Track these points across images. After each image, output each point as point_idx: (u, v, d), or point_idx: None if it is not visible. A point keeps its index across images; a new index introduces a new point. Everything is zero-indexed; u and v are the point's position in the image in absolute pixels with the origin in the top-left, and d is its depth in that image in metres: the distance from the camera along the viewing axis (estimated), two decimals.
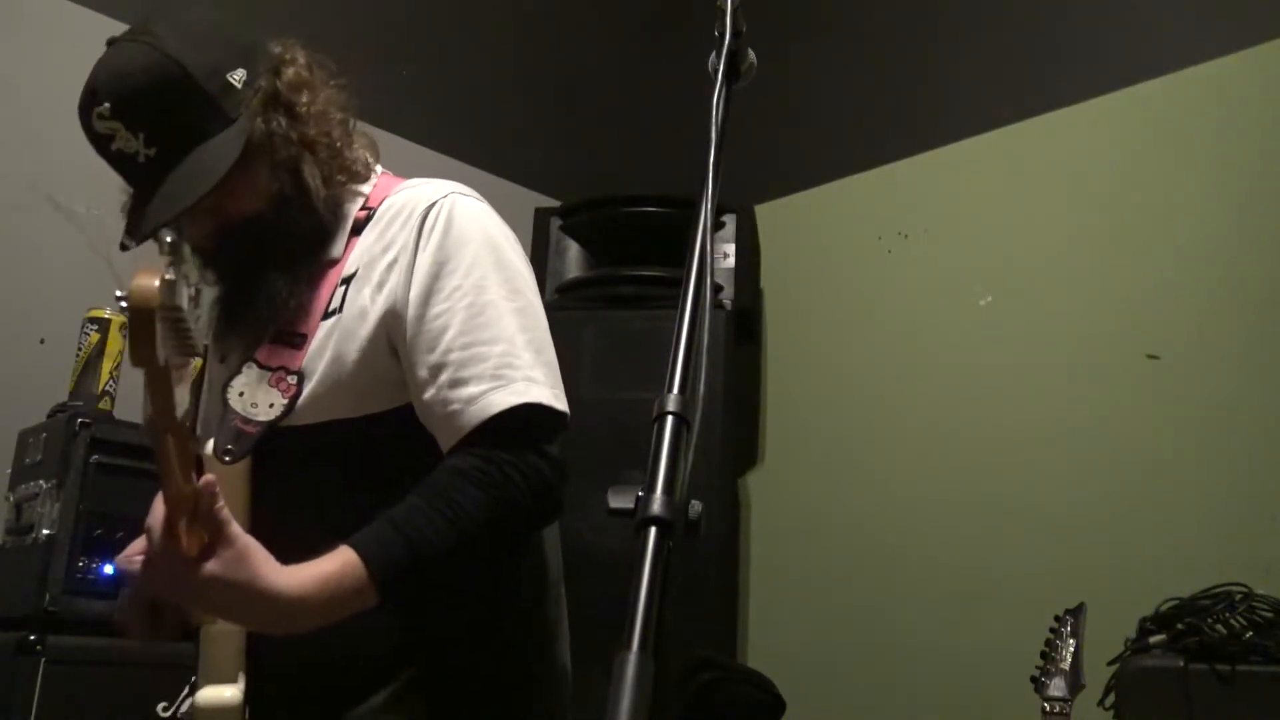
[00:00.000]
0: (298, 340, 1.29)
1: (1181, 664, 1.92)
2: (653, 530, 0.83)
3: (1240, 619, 1.94)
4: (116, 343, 2.22)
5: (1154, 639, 2.00)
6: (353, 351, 1.27)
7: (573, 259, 3.38)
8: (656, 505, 0.84)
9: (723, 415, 3.04)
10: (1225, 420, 2.52)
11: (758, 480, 3.42)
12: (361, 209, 1.36)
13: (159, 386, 0.93)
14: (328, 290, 1.31)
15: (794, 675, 2.75)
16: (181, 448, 1.00)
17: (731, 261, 3.29)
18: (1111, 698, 2.00)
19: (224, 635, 1.25)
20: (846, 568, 3.10)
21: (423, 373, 1.24)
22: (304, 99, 1.35)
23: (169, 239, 0.96)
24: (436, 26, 3.53)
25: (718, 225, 2.96)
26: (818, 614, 3.13)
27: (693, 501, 0.87)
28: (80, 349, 2.21)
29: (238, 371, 1.29)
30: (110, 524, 2.02)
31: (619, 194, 3.28)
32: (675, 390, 0.92)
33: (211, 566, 1.05)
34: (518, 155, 3.63)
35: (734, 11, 1.18)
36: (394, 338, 1.27)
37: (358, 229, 1.35)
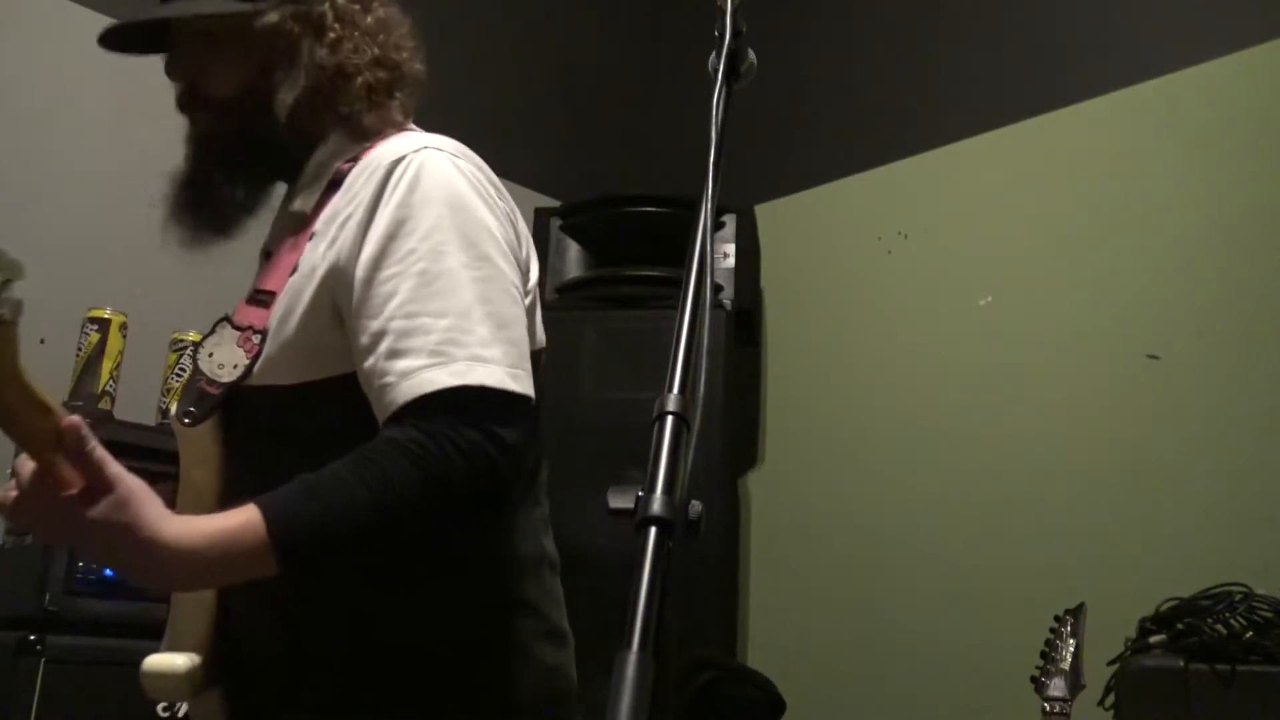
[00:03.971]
0: (267, 299, 1.22)
1: (1181, 664, 1.91)
2: (653, 530, 0.83)
3: (1240, 619, 1.94)
4: (116, 343, 2.23)
5: (1154, 639, 2.00)
6: (296, 312, 1.18)
7: (573, 259, 3.38)
8: (656, 505, 0.84)
9: (723, 415, 3.04)
10: (1225, 420, 2.52)
11: (758, 480, 3.42)
12: (348, 161, 1.27)
13: None
14: (299, 248, 1.23)
15: (794, 675, 2.75)
16: (22, 394, 0.97)
17: (731, 261, 3.29)
18: (1111, 698, 2.00)
19: (194, 603, 1.20)
20: (847, 567, 3.10)
21: (364, 339, 1.14)
22: (335, 34, 1.29)
23: None
24: (436, 27, 3.52)
25: (718, 225, 2.96)
26: (818, 613, 3.13)
27: (693, 501, 0.87)
28: (80, 349, 2.21)
29: (211, 331, 1.23)
30: None
31: (619, 194, 3.28)
32: (675, 390, 0.92)
33: (88, 509, 0.98)
34: (518, 155, 3.63)
35: (734, 11, 1.18)
36: (339, 300, 1.17)
37: (336, 184, 1.26)
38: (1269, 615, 1.94)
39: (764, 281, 3.51)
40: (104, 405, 2.18)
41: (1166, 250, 2.70)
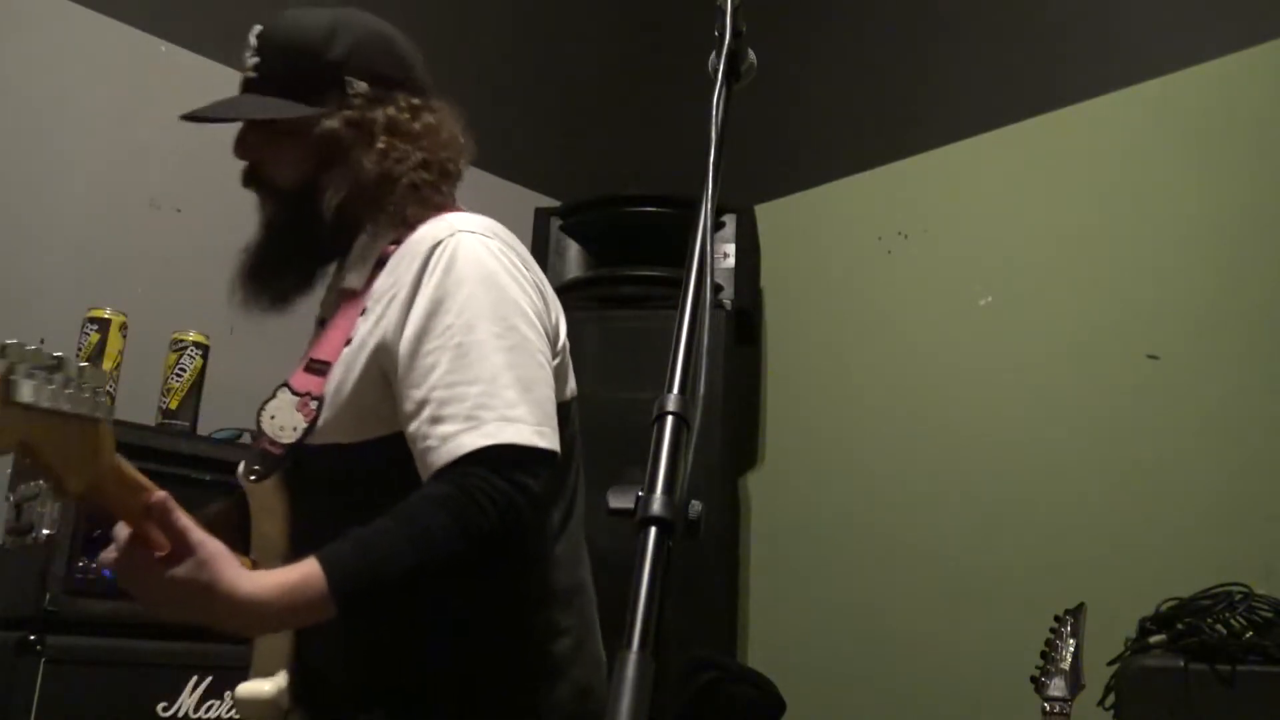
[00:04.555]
0: (323, 368, 1.39)
1: (1181, 664, 1.91)
2: (653, 530, 0.83)
3: (1240, 619, 1.94)
4: (116, 343, 2.23)
5: (1154, 639, 2.00)
6: (350, 381, 1.35)
7: (573, 259, 3.38)
8: (656, 505, 0.84)
9: (723, 415, 3.04)
10: (1225, 420, 2.52)
11: (758, 480, 3.42)
12: (392, 243, 1.44)
13: (60, 461, 0.98)
14: (351, 320, 1.40)
15: (794, 675, 2.75)
16: (117, 479, 1.08)
17: (731, 261, 3.29)
18: (1111, 698, 2.00)
19: (273, 635, 1.33)
20: (847, 567, 3.10)
21: (409, 406, 1.30)
22: (384, 144, 1.45)
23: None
24: (436, 27, 3.53)
25: (718, 225, 2.96)
26: (818, 614, 3.13)
27: (693, 501, 0.87)
28: (80, 349, 2.21)
29: (272, 396, 1.39)
30: (110, 524, 2.01)
31: (619, 194, 3.28)
32: (675, 390, 0.92)
33: (175, 570, 1.12)
34: (518, 155, 3.63)
35: (734, 11, 1.18)
36: (386, 369, 1.34)
37: (382, 263, 1.42)
38: (1269, 615, 1.94)
39: (764, 281, 3.51)
40: None
41: (1166, 250, 2.70)
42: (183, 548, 1.12)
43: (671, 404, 0.91)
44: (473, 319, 1.32)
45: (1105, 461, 2.67)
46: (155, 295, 2.71)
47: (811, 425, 3.32)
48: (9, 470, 2.19)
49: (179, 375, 2.30)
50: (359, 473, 1.34)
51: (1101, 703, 2.01)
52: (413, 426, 1.29)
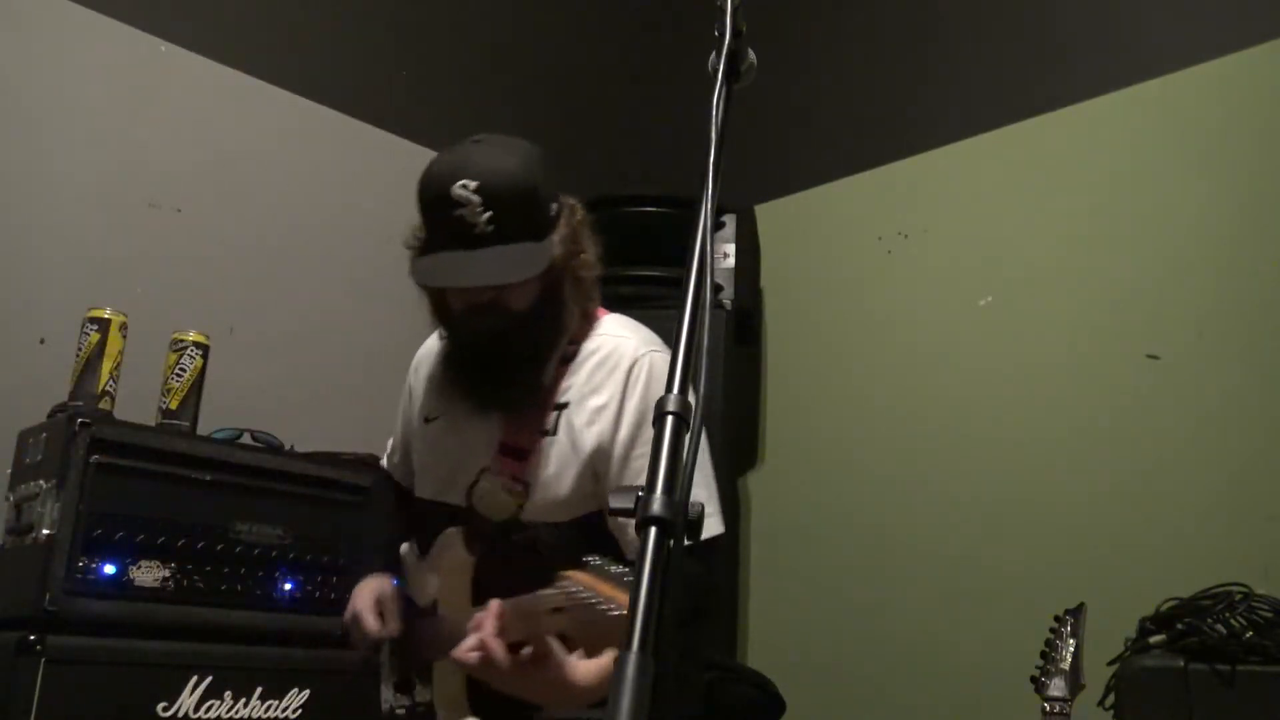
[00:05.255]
0: (522, 454, 1.66)
1: (1181, 664, 1.91)
2: (653, 530, 0.83)
3: (1240, 619, 1.94)
4: (117, 343, 2.22)
5: (1154, 639, 2.00)
6: (570, 474, 1.65)
7: None
8: (656, 505, 0.84)
9: (723, 415, 3.04)
10: (1225, 420, 2.52)
11: (758, 480, 3.42)
12: (569, 343, 1.71)
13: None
14: (544, 412, 1.67)
15: (794, 675, 2.75)
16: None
17: (731, 261, 3.29)
18: (1111, 698, 2.00)
19: (452, 672, 1.59)
20: (847, 567, 3.10)
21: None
22: (584, 245, 1.72)
23: None
24: (436, 26, 3.53)
25: (718, 225, 2.96)
26: (818, 614, 3.13)
27: (693, 501, 0.87)
28: (80, 349, 2.21)
29: (476, 480, 1.68)
30: (110, 524, 2.02)
31: (618, 194, 3.28)
32: (675, 390, 0.92)
33: (544, 675, 1.41)
34: None
35: (734, 11, 1.18)
36: (599, 468, 1.64)
37: (564, 361, 1.70)
38: (1269, 615, 1.94)
39: (764, 281, 3.51)
40: (104, 405, 2.18)
41: (1167, 250, 2.70)
42: (548, 656, 1.40)
43: (671, 404, 0.91)
44: None
45: (1105, 461, 2.67)
46: (155, 295, 2.71)
47: (811, 425, 3.32)
48: (9, 470, 2.19)
49: (179, 375, 2.30)
50: (559, 543, 1.62)
51: (1101, 703, 2.01)
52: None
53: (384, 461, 2.05)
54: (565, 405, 1.68)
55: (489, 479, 1.66)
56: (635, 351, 1.69)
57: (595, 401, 1.66)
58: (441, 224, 1.61)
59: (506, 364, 1.65)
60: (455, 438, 1.75)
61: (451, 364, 1.73)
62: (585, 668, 1.43)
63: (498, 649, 1.39)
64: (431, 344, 1.91)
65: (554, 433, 1.66)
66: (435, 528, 1.75)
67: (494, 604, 1.42)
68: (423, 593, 1.79)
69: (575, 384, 1.68)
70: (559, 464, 1.65)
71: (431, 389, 1.83)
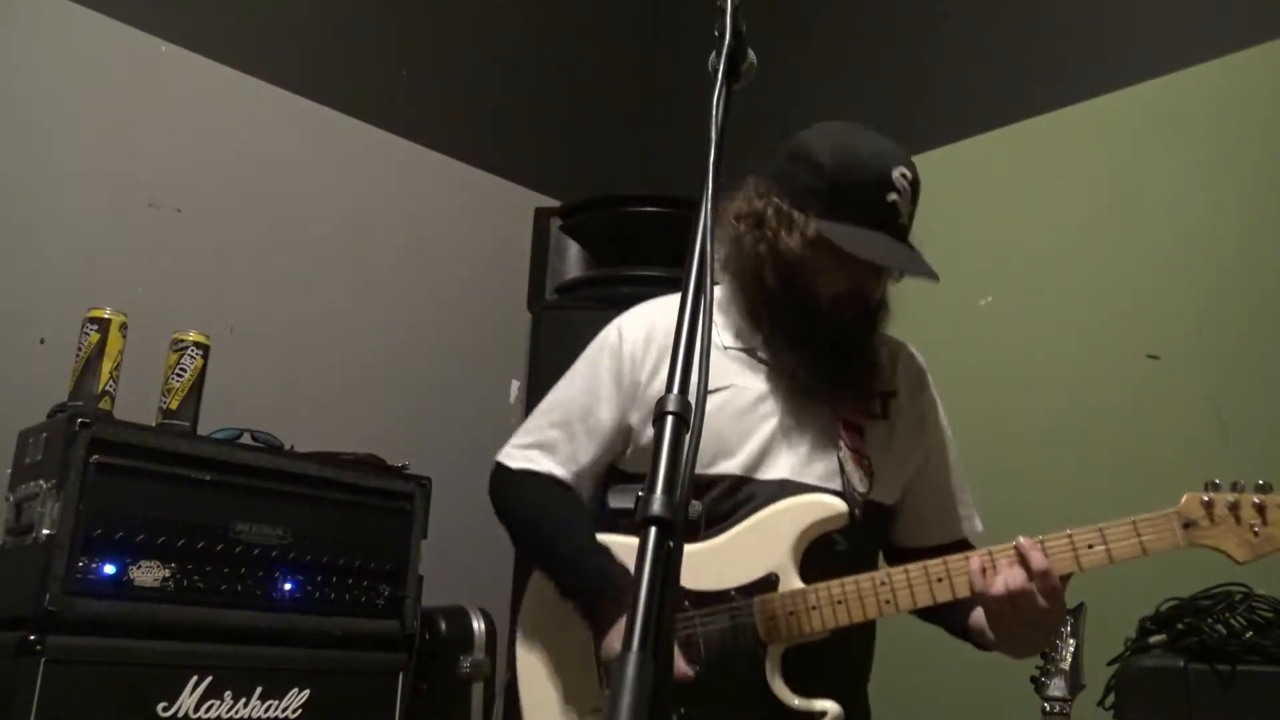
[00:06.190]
0: (856, 430, 1.67)
1: (1181, 664, 1.91)
2: (653, 530, 0.83)
3: (1240, 619, 1.94)
4: (117, 343, 2.22)
5: (1154, 639, 2.00)
6: (909, 465, 1.75)
7: (573, 259, 3.37)
8: (656, 505, 0.84)
9: None
10: (1225, 420, 2.52)
11: None
12: None
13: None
14: (874, 398, 1.72)
15: None
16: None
17: None
18: (1111, 698, 2.00)
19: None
20: None
21: (962, 495, 1.89)
22: None
23: None
24: (436, 27, 3.53)
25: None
26: None
27: (693, 501, 0.87)
28: (80, 349, 2.21)
29: (825, 446, 1.64)
30: (110, 524, 2.02)
31: (619, 194, 3.28)
32: (675, 390, 0.92)
33: (1059, 607, 1.56)
34: (518, 155, 3.63)
35: (734, 11, 1.18)
36: (930, 471, 1.80)
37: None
38: (1269, 615, 1.94)
39: None
40: (104, 405, 2.18)
41: (1167, 250, 2.70)
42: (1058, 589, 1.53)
43: (671, 404, 0.91)
44: None
45: (1105, 461, 2.67)
46: (155, 295, 2.71)
47: None
48: (9, 470, 2.19)
49: (179, 375, 2.30)
50: (879, 523, 1.72)
51: (1101, 703, 2.01)
52: (964, 510, 1.90)
53: (541, 466, 1.73)
54: (892, 393, 1.74)
55: (843, 449, 1.64)
56: (921, 361, 1.90)
57: (920, 403, 1.79)
58: (874, 203, 1.62)
59: (865, 352, 1.70)
60: (759, 412, 1.65)
61: (803, 345, 1.65)
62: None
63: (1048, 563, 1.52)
64: (656, 315, 1.78)
65: (885, 417, 1.71)
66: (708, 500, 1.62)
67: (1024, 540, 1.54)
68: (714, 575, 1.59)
69: (898, 377, 1.79)
70: (902, 448, 1.73)
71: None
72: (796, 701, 1.52)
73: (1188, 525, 1.59)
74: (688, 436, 0.90)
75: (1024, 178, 3.02)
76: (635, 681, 0.74)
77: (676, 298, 1.78)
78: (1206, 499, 1.58)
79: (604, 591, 1.53)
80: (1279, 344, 2.48)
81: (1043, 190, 2.97)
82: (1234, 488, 1.57)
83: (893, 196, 1.64)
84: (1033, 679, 1.85)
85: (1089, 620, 1.91)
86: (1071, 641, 1.86)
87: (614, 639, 1.49)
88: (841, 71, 3.57)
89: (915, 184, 1.69)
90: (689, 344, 0.96)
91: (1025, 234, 2.98)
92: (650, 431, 1.57)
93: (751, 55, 1.19)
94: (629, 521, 1.49)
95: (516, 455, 1.74)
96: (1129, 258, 2.76)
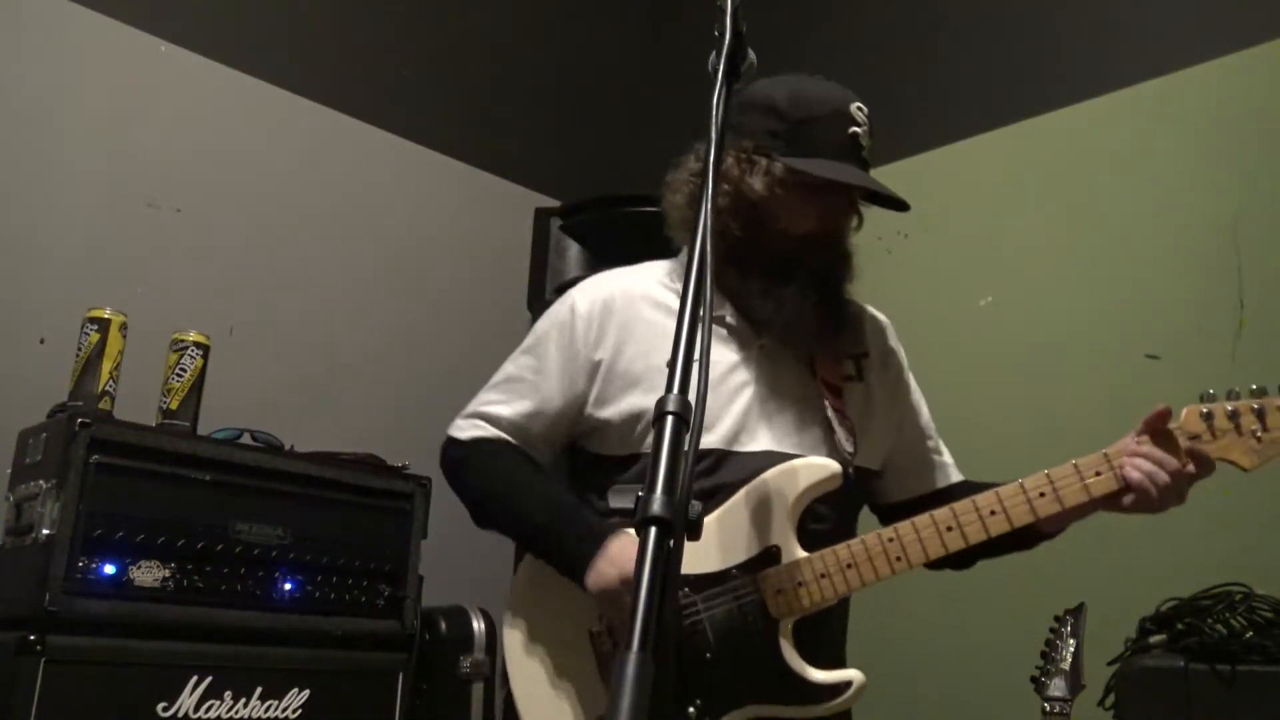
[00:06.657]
0: (835, 392, 1.63)
1: (1181, 664, 1.91)
2: (653, 530, 0.83)
3: (1240, 619, 1.94)
4: (117, 343, 2.22)
5: (1154, 639, 2.00)
6: (890, 427, 1.74)
7: (573, 259, 3.37)
8: (656, 505, 0.84)
9: None
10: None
11: None
12: None
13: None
14: (846, 358, 1.70)
15: None
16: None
17: None
18: (1111, 698, 2.00)
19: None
20: None
21: (939, 443, 1.87)
22: None
23: None
24: (437, 27, 3.52)
25: None
26: None
27: (693, 501, 0.87)
28: (80, 349, 2.21)
29: (807, 411, 1.60)
30: (110, 524, 2.02)
31: (619, 194, 3.28)
32: (675, 390, 0.92)
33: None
34: (518, 155, 3.63)
35: (734, 11, 1.19)
36: (906, 427, 1.78)
37: None
38: (1269, 615, 1.94)
39: None
40: (104, 405, 2.18)
41: (1167, 250, 2.70)
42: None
43: (671, 404, 0.91)
44: None
45: None
46: (155, 295, 2.71)
47: None
48: (9, 470, 2.19)
49: (179, 375, 2.30)
50: (861, 490, 1.71)
51: (1101, 703, 2.01)
52: (941, 457, 1.85)
53: (489, 431, 1.67)
54: (864, 355, 1.72)
55: (827, 407, 1.60)
56: (885, 318, 1.86)
57: (893, 364, 1.79)
58: (838, 136, 1.64)
59: (839, 303, 1.68)
60: (735, 381, 1.59)
61: (777, 290, 1.61)
62: None
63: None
64: (618, 285, 1.76)
65: (860, 379, 1.69)
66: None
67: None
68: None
69: (870, 338, 1.77)
70: (883, 410, 1.72)
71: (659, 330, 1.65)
72: (820, 675, 1.48)
73: (1193, 438, 1.58)
74: (688, 436, 0.90)
75: (1024, 178, 3.02)
76: (635, 681, 0.74)
77: (646, 266, 1.78)
78: (1206, 410, 1.57)
79: (577, 530, 1.50)
80: (1279, 344, 2.48)
81: (1043, 190, 2.97)
82: (1229, 395, 1.58)
83: (854, 129, 1.66)
84: (1033, 679, 1.85)
85: (1089, 620, 1.91)
86: (1071, 641, 1.86)
87: (602, 566, 1.43)
88: (841, 71, 3.55)
89: (871, 120, 1.71)
90: (689, 344, 0.96)
91: (1025, 234, 2.98)
92: (614, 409, 1.58)
93: (751, 55, 1.19)
94: (629, 521, 1.48)
95: (465, 426, 1.69)
96: (1129, 258, 2.76)
